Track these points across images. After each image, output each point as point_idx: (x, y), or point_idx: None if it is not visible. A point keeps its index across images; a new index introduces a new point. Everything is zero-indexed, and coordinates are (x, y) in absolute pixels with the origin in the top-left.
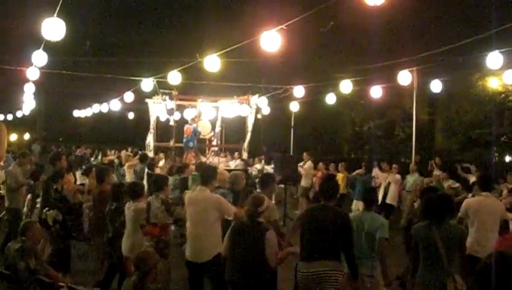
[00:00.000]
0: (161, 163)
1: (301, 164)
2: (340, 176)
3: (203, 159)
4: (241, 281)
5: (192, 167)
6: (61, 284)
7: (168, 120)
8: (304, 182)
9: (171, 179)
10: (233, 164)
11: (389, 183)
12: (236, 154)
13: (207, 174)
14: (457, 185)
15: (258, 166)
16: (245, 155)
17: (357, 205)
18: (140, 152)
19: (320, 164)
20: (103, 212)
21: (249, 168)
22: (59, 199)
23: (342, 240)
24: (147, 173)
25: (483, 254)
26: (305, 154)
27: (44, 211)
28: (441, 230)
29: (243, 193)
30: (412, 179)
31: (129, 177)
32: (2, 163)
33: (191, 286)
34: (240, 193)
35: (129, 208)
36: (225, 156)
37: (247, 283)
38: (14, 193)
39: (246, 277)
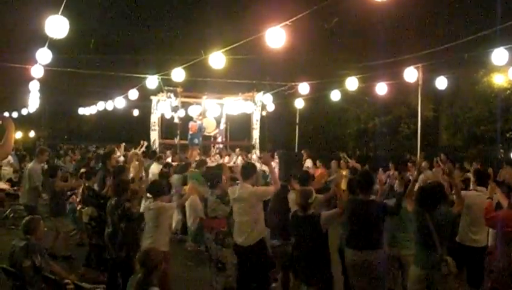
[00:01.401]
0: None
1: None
2: (346, 172)
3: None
4: (303, 269)
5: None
6: (66, 281)
7: (172, 117)
8: None
9: (175, 177)
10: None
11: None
12: (237, 150)
13: (246, 171)
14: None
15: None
16: (257, 152)
17: None
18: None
19: (318, 162)
20: None
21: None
22: (94, 196)
23: (382, 226)
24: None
25: (474, 245)
26: (303, 151)
27: (79, 208)
28: (434, 216)
29: None
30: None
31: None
32: (12, 160)
33: (239, 268)
34: None
35: (148, 207)
36: (228, 155)
37: (309, 269)
38: (34, 190)
39: (307, 265)
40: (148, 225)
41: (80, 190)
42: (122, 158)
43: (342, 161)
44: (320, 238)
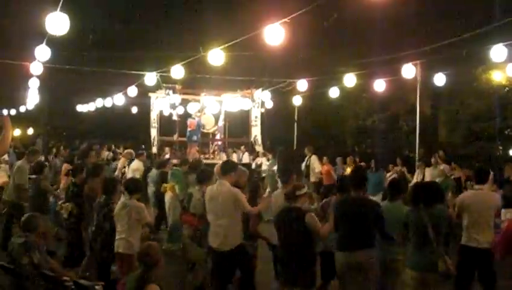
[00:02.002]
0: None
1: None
2: (348, 170)
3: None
4: (284, 262)
5: (173, 162)
6: (65, 278)
7: (171, 114)
8: (313, 178)
9: (154, 173)
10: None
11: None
12: (242, 148)
13: (226, 167)
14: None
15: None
16: (259, 148)
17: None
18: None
19: (324, 159)
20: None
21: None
22: (78, 193)
23: (374, 227)
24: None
25: (478, 245)
26: (306, 149)
27: (60, 203)
28: (430, 214)
29: (248, 188)
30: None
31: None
32: (7, 157)
33: (213, 274)
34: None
35: (124, 203)
36: (234, 152)
37: (289, 264)
38: (18, 188)
39: (288, 258)
40: (121, 223)
41: (65, 186)
42: (111, 154)
43: (348, 158)
44: (305, 233)
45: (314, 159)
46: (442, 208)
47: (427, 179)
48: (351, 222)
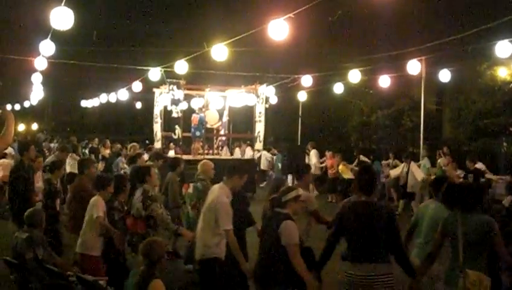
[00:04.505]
0: (171, 153)
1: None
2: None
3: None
4: (256, 270)
5: (145, 157)
6: (69, 273)
7: (171, 111)
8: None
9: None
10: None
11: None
12: (247, 143)
13: (231, 169)
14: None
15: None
16: (260, 145)
17: None
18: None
19: (329, 153)
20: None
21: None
22: (51, 192)
23: (389, 239)
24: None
25: None
26: (309, 145)
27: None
28: (465, 223)
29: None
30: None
31: None
32: (12, 152)
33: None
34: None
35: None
36: (239, 147)
37: (259, 272)
38: None
39: (259, 267)
40: (85, 221)
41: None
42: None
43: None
44: (277, 245)
45: (313, 153)
46: (485, 219)
47: (413, 173)
48: (363, 229)
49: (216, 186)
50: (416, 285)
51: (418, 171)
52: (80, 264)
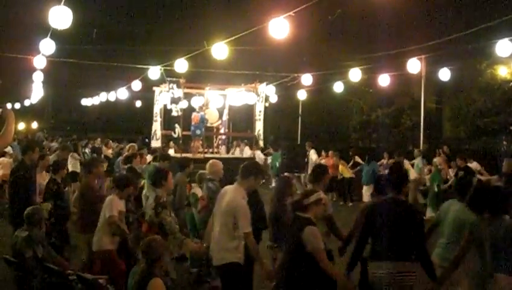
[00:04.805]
0: (171, 151)
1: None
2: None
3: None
4: (280, 275)
5: (148, 158)
6: (69, 271)
7: (171, 109)
8: (310, 170)
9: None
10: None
11: None
12: (245, 141)
13: (245, 170)
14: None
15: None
16: (261, 143)
17: (367, 189)
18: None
19: (331, 152)
20: (92, 206)
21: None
22: (57, 191)
23: (414, 237)
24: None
25: None
26: (307, 144)
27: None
28: (494, 227)
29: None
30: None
31: None
32: (11, 150)
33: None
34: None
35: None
36: (238, 146)
37: (284, 277)
38: None
39: (283, 272)
40: (100, 220)
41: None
42: (110, 151)
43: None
44: (301, 252)
45: (312, 152)
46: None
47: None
48: (384, 230)
49: (230, 188)
50: (436, 288)
51: (410, 170)
52: (97, 261)
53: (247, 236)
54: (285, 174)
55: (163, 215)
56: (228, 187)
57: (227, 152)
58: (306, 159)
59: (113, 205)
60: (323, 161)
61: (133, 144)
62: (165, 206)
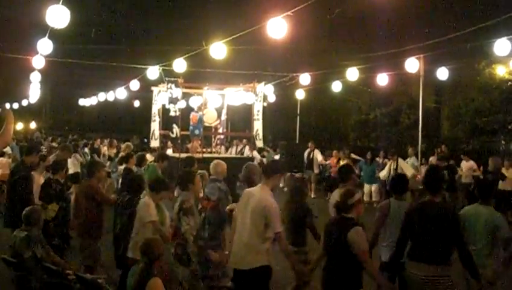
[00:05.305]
0: (169, 151)
1: (307, 152)
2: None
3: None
4: (324, 276)
5: (148, 157)
6: (68, 271)
7: (169, 109)
8: (316, 169)
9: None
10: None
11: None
12: (244, 141)
13: (270, 169)
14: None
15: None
16: (261, 143)
17: (368, 188)
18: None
19: (334, 152)
20: (87, 211)
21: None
22: (61, 192)
23: (453, 239)
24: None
25: None
26: (310, 143)
27: (40, 204)
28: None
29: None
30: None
31: None
32: (10, 151)
33: None
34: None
35: (143, 203)
36: (236, 145)
37: (328, 279)
38: None
39: (328, 273)
40: (135, 225)
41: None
42: (114, 151)
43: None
44: (345, 252)
45: (317, 152)
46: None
47: (402, 170)
48: (423, 231)
49: (255, 189)
50: (477, 288)
51: (407, 168)
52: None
53: (279, 236)
54: (297, 174)
55: (182, 221)
56: (252, 189)
57: (226, 151)
58: (311, 157)
59: (151, 209)
60: (328, 162)
61: (129, 143)
62: (186, 212)
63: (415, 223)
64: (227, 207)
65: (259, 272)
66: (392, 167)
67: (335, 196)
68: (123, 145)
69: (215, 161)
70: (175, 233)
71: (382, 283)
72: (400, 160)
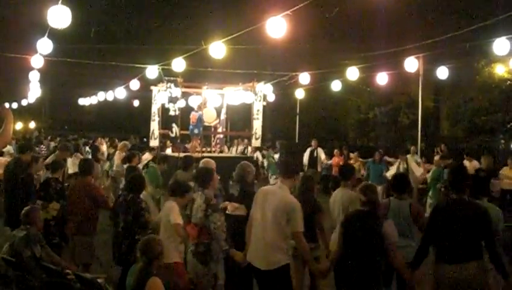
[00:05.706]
0: (168, 151)
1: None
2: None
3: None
4: (351, 278)
5: (147, 156)
6: (67, 271)
7: (168, 109)
8: (320, 168)
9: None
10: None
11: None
12: (245, 141)
13: (288, 169)
14: None
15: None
16: (258, 142)
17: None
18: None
19: (336, 151)
20: (86, 209)
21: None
22: (61, 191)
23: (482, 237)
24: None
25: None
26: (313, 142)
27: (41, 203)
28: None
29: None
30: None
31: None
32: (11, 150)
33: None
34: (249, 187)
35: (167, 207)
36: (237, 145)
37: (357, 275)
38: None
39: (358, 269)
40: (161, 229)
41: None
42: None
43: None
44: (380, 245)
45: (320, 150)
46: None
47: (411, 169)
48: (454, 231)
49: (272, 188)
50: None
51: (416, 167)
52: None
53: (299, 235)
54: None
55: (212, 219)
56: (268, 187)
57: (228, 151)
58: (314, 155)
59: (175, 212)
60: (330, 161)
61: (126, 142)
62: (216, 209)
63: (442, 223)
64: (220, 205)
65: (285, 271)
66: (401, 166)
67: (337, 194)
68: (120, 144)
69: (204, 160)
70: (200, 231)
71: (408, 279)
72: (410, 159)
